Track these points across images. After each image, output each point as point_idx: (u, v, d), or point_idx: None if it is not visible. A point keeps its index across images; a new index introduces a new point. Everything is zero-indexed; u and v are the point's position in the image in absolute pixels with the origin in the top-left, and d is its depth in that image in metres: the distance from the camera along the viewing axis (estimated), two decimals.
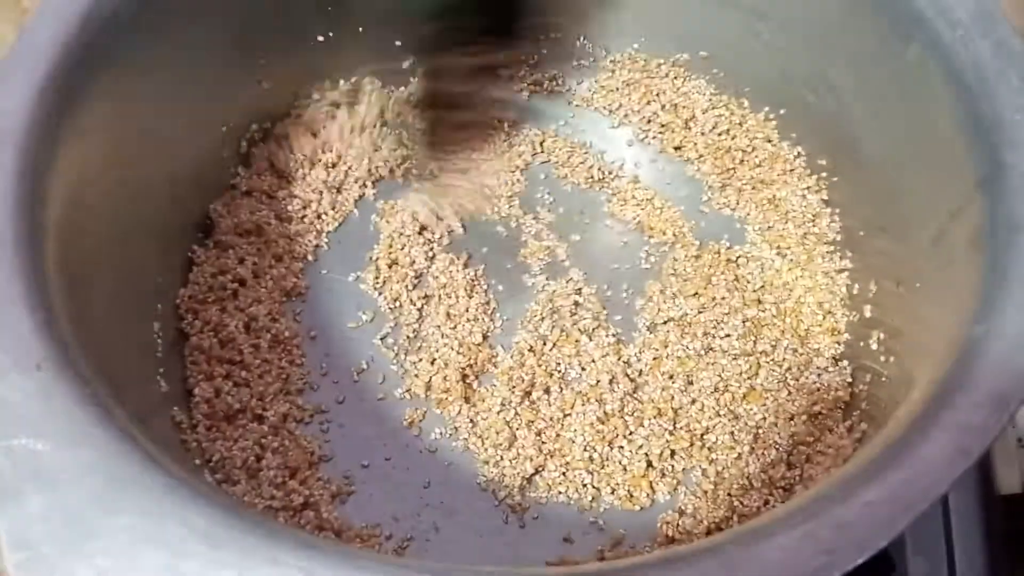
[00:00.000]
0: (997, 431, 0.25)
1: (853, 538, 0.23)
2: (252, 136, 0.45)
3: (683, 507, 0.38)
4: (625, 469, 0.38)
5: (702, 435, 0.39)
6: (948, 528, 0.42)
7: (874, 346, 0.38)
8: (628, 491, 0.38)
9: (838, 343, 0.40)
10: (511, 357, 0.42)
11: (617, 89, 0.49)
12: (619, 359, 0.42)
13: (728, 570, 0.22)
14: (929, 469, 0.24)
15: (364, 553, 0.23)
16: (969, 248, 0.31)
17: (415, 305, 0.43)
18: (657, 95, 0.49)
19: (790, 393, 0.40)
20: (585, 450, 0.39)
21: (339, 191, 0.46)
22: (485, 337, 0.42)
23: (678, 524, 0.37)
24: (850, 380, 0.39)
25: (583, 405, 0.40)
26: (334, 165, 0.46)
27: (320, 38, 0.45)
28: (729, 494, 0.38)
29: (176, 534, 0.22)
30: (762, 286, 0.43)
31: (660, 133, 0.48)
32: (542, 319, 0.43)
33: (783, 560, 0.22)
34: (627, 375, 0.41)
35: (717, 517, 0.37)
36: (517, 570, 0.25)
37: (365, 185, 0.46)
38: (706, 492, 0.38)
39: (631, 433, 0.39)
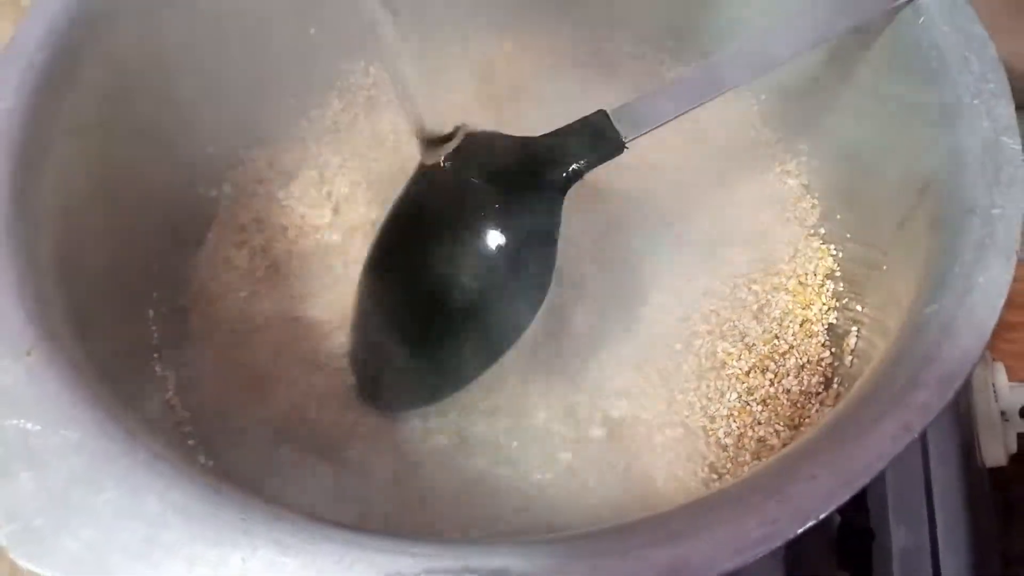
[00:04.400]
0: (940, 408, 0.25)
1: (795, 510, 0.24)
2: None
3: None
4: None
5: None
6: (930, 500, 0.43)
7: (847, 327, 0.39)
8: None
9: (816, 325, 0.41)
10: None
11: None
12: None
13: (674, 539, 0.23)
14: (872, 444, 0.25)
15: (332, 524, 0.24)
16: (929, 231, 0.31)
17: None
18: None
19: (774, 376, 0.41)
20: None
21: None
22: None
23: None
24: (828, 360, 0.40)
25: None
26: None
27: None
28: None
29: (154, 509, 0.24)
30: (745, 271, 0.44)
31: None
32: None
33: (728, 530, 0.23)
34: None
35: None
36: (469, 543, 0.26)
37: None
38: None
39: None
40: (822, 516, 0.24)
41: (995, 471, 0.46)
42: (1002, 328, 0.29)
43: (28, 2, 0.74)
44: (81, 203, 0.34)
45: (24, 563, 0.24)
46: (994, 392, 0.47)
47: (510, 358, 0.41)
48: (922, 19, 0.34)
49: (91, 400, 0.26)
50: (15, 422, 0.25)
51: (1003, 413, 0.47)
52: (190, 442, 0.37)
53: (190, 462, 0.26)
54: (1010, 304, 0.28)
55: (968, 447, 0.45)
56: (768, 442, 0.39)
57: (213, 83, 0.43)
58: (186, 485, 0.24)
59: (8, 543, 0.24)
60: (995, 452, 0.46)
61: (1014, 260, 0.29)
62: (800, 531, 0.24)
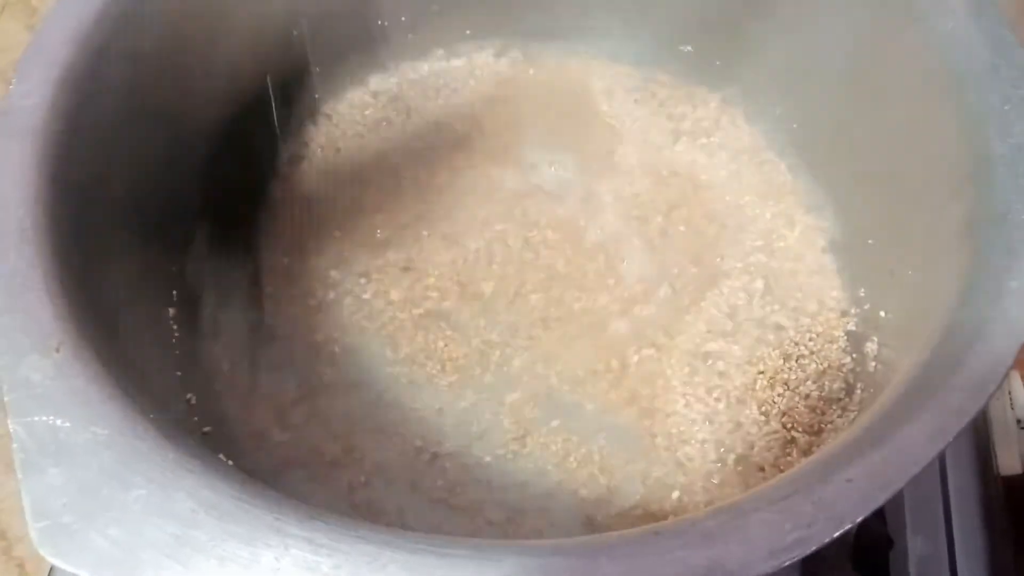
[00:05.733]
0: (975, 413, 0.25)
1: (832, 513, 0.24)
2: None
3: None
4: None
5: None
6: (947, 508, 0.43)
7: (870, 333, 0.39)
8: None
9: (836, 331, 0.41)
10: None
11: None
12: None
13: (709, 542, 0.23)
14: (908, 448, 0.25)
15: (365, 525, 0.24)
16: (959, 237, 0.31)
17: None
18: None
19: (793, 381, 0.41)
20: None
21: None
22: None
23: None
24: (850, 366, 0.40)
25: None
26: None
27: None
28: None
29: (185, 506, 0.24)
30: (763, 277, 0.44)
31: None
32: None
33: (763, 533, 0.23)
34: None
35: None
36: (504, 542, 0.26)
37: None
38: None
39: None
40: (859, 520, 0.24)
41: (1011, 479, 0.46)
42: None
43: (39, 3, 0.74)
44: (104, 202, 0.34)
45: (53, 560, 0.23)
46: (1010, 400, 0.47)
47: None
48: (951, 23, 0.34)
49: (119, 397, 0.26)
50: (44, 418, 0.25)
51: (1019, 421, 0.47)
52: (210, 441, 0.36)
53: (215, 459, 0.26)
54: None
55: (984, 455, 0.45)
56: (785, 449, 0.39)
57: (230, 80, 0.43)
58: (217, 483, 0.24)
59: (37, 540, 0.24)
60: (1011, 460, 0.46)
61: None
62: (837, 535, 0.23)
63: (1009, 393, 0.47)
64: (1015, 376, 0.48)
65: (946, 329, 0.28)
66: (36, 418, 0.25)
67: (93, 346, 0.28)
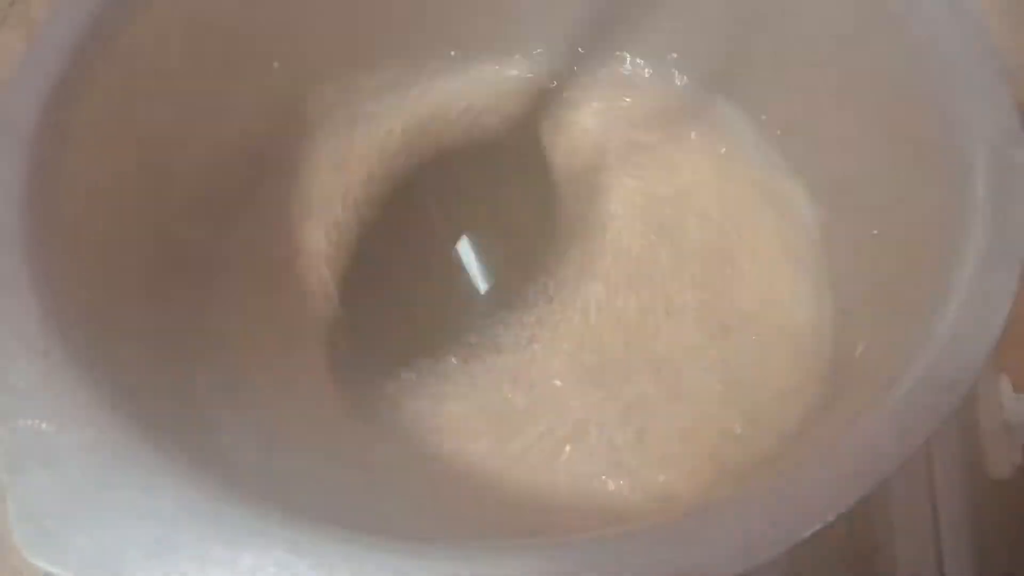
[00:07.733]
0: (946, 413, 0.26)
1: (803, 512, 0.24)
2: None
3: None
4: None
5: None
6: (935, 512, 0.43)
7: (848, 334, 0.39)
8: None
9: (816, 331, 0.41)
10: None
11: None
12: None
13: (681, 541, 0.24)
14: (879, 447, 0.25)
15: (346, 527, 0.24)
16: (936, 239, 0.32)
17: None
18: None
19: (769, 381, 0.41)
20: None
21: None
22: None
23: None
24: (829, 367, 0.40)
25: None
26: None
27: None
28: None
29: (168, 508, 0.24)
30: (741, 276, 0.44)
31: None
32: None
33: (735, 532, 0.24)
34: None
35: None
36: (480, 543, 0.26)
37: None
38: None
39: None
40: (830, 518, 0.24)
41: (1000, 483, 0.46)
42: (1008, 339, 0.29)
43: (39, 15, 0.74)
44: (95, 207, 0.34)
45: (37, 562, 0.24)
46: (1000, 403, 0.47)
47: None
48: (928, 32, 0.34)
49: (106, 400, 0.26)
50: (30, 422, 0.25)
51: (1008, 424, 0.47)
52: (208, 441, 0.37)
53: (205, 462, 0.27)
54: (1018, 316, 0.28)
55: (973, 459, 0.46)
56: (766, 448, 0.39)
57: (218, 97, 0.43)
58: (200, 485, 0.25)
59: (21, 542, 0.24)
60: (1000, 464, 0.46)
61: (1019, 268, 0.29)
62: (809, 533, 0.24)
63: (999, 397, 0.47)
64: (1004, 380, 0.48)
65: (920, 330, 0.28)
66: (22, 422, 0.25)
67: (82, 349, 0.28)
